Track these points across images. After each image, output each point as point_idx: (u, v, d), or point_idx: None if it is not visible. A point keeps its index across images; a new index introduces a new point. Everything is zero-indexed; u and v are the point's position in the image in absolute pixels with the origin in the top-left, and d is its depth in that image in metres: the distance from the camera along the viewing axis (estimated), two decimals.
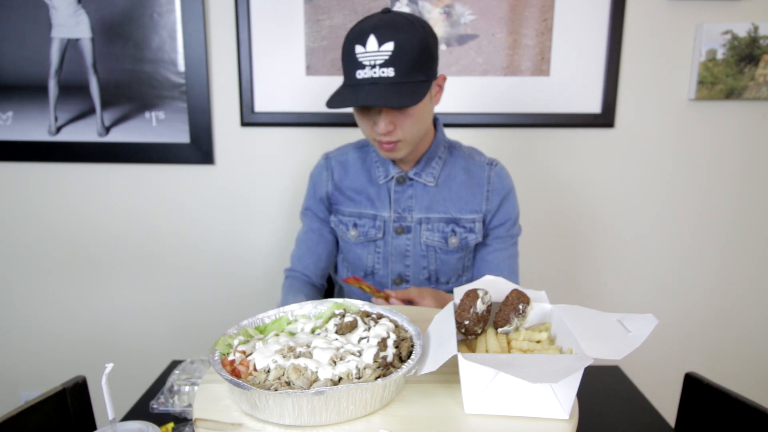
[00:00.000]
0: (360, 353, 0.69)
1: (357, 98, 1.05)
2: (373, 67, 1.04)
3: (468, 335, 0.76)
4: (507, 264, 1.28)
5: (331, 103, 1.08)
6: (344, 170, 1.30)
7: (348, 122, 1.72)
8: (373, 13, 1.12)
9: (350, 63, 1.07)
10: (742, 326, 1.88)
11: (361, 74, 1.06)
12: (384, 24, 1.05)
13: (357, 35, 1.06)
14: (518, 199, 1.30)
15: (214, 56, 1.71)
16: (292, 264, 1.36)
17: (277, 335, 0.76)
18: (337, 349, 0.69)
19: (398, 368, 0.67)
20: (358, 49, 1.05)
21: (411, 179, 1.24)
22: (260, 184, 1.79)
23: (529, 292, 0.79)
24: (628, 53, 1.68)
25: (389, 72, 1.04)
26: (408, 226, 1.23)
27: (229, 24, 1.68)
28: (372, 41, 1.04)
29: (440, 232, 1.23)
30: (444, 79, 1.17)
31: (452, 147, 1.28)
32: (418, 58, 1.05)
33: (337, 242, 1.37)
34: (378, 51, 1.04)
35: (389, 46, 1.03)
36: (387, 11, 1.09)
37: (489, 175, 1.24)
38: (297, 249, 1.37)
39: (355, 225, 1.28)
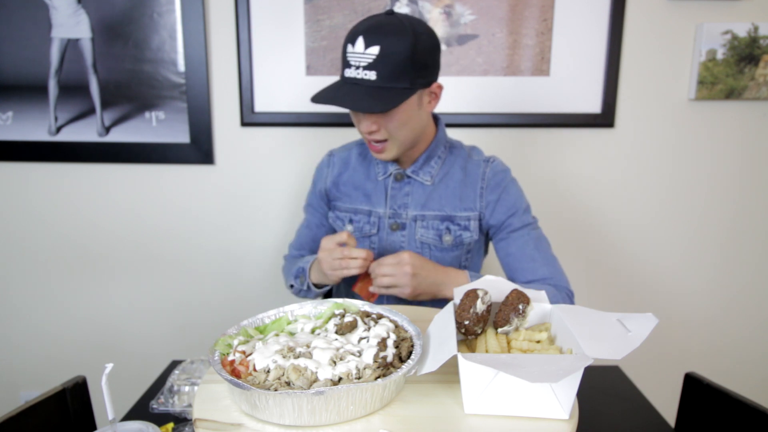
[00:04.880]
0: (360, 353, 0.69)
1: (335, 97, 1.07)
2: (358, 68, 1.06)
3: (468, 335, 0.76)
4: (534, 248, 1.22)
5: (315, 97, 1.09)
6: (345, 166, 1.32)
7: (348, 122, 1.71)
8: (375, 13, 1.12)
9: (343, 60, 1.10)
10: (742, 326, 1.87)
11: (348, 73, 1.08)
12: (375, 27, 1.05)
13: (350, 34, 1.08)
14: (523, 191, 1.27)
15: (214, 56, 1.71)
16: (290, 252, 1.41)
17: (277, 335, 0.76)
18: (337, 349, 0.69)
19: (398, 368, 0.67)
20: (349, 48, 1.07)
21: (409, 177, 1.24)
22: (260, 184, 1.79)
23: (529, 292, 0.79)
24: (628, 53, 1.68)
25: (371, 75, 1.05)
26: (403, 223, 1.24)
27: (229, 24, 1.68)
28: (360, 43, 1.05)
29: (435, 230, 1.23)
30: (440, 87, 1.16)
31: (453, 146, 1.28)
32: (402, 65, 1.05)
33: None
34: (363, 53, 1.05)
35: (374, 49, 1.04)
36: (390, 13, 1.09)
37: (484, 172, 1.24)
38: (296, 239, 1.41)
39: (351, 221, 1.29)
